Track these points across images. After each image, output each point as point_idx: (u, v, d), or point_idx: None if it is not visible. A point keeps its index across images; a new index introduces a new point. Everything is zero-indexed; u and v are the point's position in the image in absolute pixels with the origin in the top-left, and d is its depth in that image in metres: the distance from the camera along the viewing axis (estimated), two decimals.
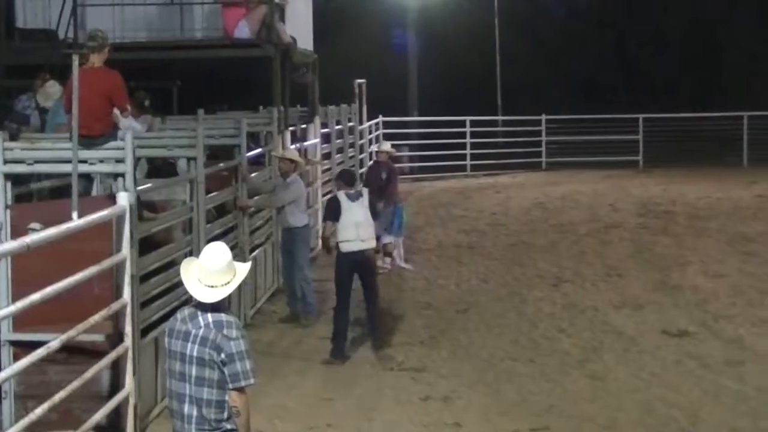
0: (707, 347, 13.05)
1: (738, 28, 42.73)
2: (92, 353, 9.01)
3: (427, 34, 39.73)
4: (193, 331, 6.61)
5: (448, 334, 13.93)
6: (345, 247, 12.80)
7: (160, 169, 13.47)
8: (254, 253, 15.16)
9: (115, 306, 9.06)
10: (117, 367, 9.25)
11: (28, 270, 8.50)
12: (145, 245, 10.49)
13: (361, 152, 26.60)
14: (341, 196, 12.96)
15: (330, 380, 12.00)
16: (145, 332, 10.27)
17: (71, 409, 8.84)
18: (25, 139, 11.57)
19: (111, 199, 9.54)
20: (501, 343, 13.46)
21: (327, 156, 22.86)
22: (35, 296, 7.25)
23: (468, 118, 34.25)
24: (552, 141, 35.59)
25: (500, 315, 14.90)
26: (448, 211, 25.29)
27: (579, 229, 22.18)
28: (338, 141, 24.01)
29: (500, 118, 36.98)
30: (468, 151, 34.27)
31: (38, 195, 12.26)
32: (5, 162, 10.28)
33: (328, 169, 22.88)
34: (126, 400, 9.26)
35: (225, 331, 6.56)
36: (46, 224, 8.48)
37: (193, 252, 11.43)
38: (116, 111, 11.46)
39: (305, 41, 21.15)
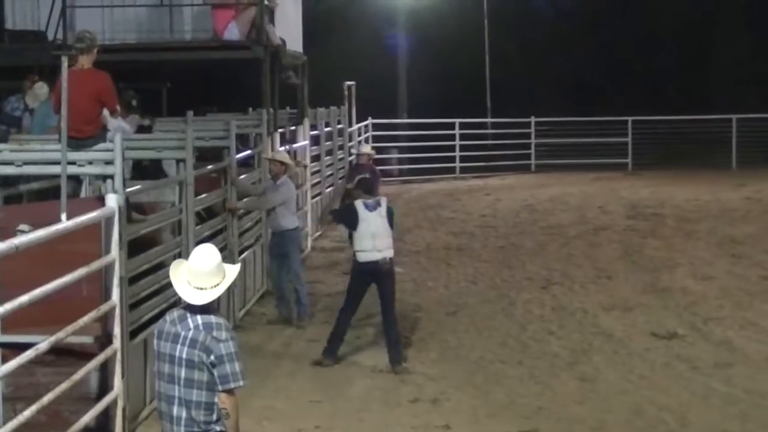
0: (696, 349, 13.07)
1: (726, 30, 42.81)
2: (81, 355, 8.99)
3: (416, 36, 39.77)
4: (183, 333, 6.60)
5: (437, 336, 13.93)
6: (361, 257, 12.61)
7: (145, 168, 13.47)
8: (243, 255, 15.14)
9: (103, 308, 9.04)
10: (106, 369, 9.24)
11: (17, 272, 8.46)
12: (134, 247, 10.47)
13: (350, 154, 26.61)
14: (359, 205, 12.66)
15: (319, 382, 11.99)
16: (133, 334, 10.25)
17: (60, 411, 8.82)
18: (14, 140, 11.56)
19: (100, 200, 9.53)
20: (490, 345, 13.46)
21: (316, 158, 22.88)
22: (23, 298, 7.23)
23: (457, 120, 34.29)
24: (541, 143, 35.63)
25: (489, 317, 14.91)
26: (437, 213, 25.30)
27: (568, 231, 22.20)
28: (327, 143, 24.03)
29: (489, 120, 37.00)
30: (457, 153, 34.28)
31: (26, 196, 12.23)
32: None
33: (318, 171, 22.90)
34: (115, 402, 9.24)
35: (214, 333, 6.56)
36: (35, 226, 8.46)
37: (182, 254, 11.41)
38: (105, 112, 11.44)
39: (295, 43, 21.16)
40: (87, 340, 9.17)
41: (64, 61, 9.94)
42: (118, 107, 11.76)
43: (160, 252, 11.41)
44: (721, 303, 15.40)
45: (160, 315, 7.31)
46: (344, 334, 12.87)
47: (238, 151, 15.28)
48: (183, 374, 6.58)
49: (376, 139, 32.99)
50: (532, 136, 35.54)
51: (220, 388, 6.56)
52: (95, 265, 8.87)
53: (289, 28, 20.46)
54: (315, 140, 22.70)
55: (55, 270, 8.02)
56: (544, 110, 35.75)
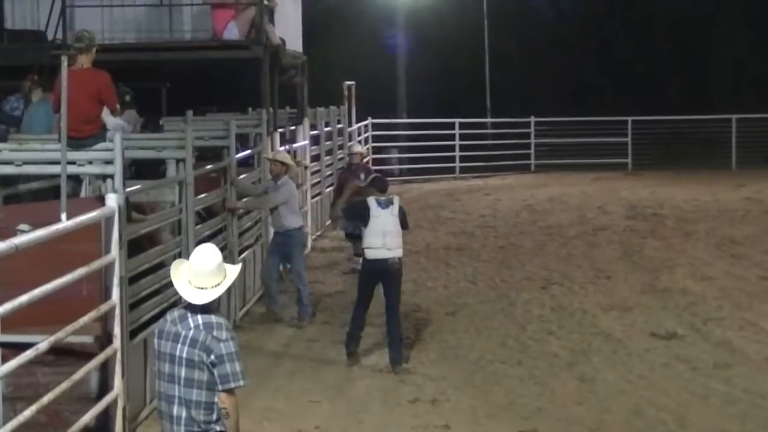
0: (695, 350, 13.07)
1: (726, 30, 42.83)
2: (81, 355, 8.99)
3: (416, 36, 39.78)
4: (183, 333, 6.60)
5: (436, 337, 13.93)
6: (370, 255, 12.56)
7: (142, 168, 13.48)
8: (243, 255, 15.14)
9: (103, 307, 9.04)
10: (106, 369, 9.24)
11: (17, 271, 8.46)
12: (134, 247, 10.47)
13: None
14: (371, 202, 12.64)
15: (319, 382, 11.99)
16: (133, 334, 10.25)
17: (60, 410, 8.82)
18: (14, 140, 11.56)
19: (100, 200, 9.53)
20: (489, 346, 13.46)
21: (316, 158, 22.88)
22: (23, 298, 7.23)
23: (457, 120, 34.30)
24: (541, 143, 35.64)
25: (489, 317, 14.91)
26: (437, 213, 25.30)
27: (568, 231, 22.20)
28: (327, 143, 24.02)
29: (489, 120, 37.03)
30: (457, 153, 34.29)
31: (25, 196, 12.23)
32: None
33: (317, 171, 22.90)
34: (115, 402, 9.24)
35: (215, 333, 6.56)
36: (35, 225, 8.46)
37: (182, 254, 11.41)
38: (105, 110, 11.45)
39: (294, 43, 21.17)
40: (87, 339, 9.16)
41: (64, 61, 9.94)
42: (118, 106, 11.77)
43: (160, 252, 11.42)
44: (721, 303, 15.40)
45: (160, 315, 7.32)
46: (358, 334, 12.80)
47: (238, 151, 15.29)
48: (183, 374, 6.58)
49: (375, 138, 33.03)
50: (532, 136, 35.54)
51: (220, 387, 6.56)
52: (95, 264, 8.87)
53: (288, 28, 20.47)
54: (315, 140, 22.70)
55: (55, 270, 8.02)
56: (544, 110, 35.77)
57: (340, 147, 25.25)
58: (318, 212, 22.26)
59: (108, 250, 9.22)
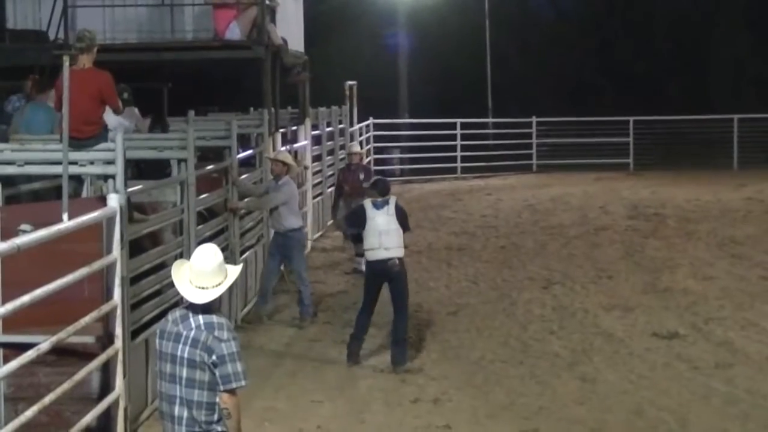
0: (697, 350, 13.07)
1: (726, 30, 42.82)
2: (82, 355, 8.99)
3: (417, 36, 39.77)
4: (184, 333, 6.61)
5: (438, 337, 13.93)
6: (369, 256, 12.61)
7: (147, 165, 13.48)
8: (245, 255, 15.15)
9: (105, 308, 9.04)
10: (107, 370, 9.23)
11: (18, 271, 8.47)
12: (136, 247, 10.47)
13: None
14: (367, 204, 12.70)
15: (320, 382, 11.99)
16: (135, 334, 10.26)
17: (61, 411, 8.82)
18: (15, 140, 11.56)
19: (101, 200, 9.54)
20: (491, 345, 13.47)
21: (318, 158, 22.88)
22: (25, 298, 7.23)
23: (458, 120, 34.31)
24: (542, 143, 35.65)
25: (490, 317, 14.91)
26: (438, 213, 25.30)
27: (569, 231, 22.20)
28: (329, 143, 24.02)
29: (491, 120, 37.02)
30: (458, 153, 34.30)
31: (26, 196, 12.22)
32: None
33: (319, 171, 22.90)
34: (116, 402, 9.24)
35: (216, 333, 6.57)
36: (37, 226, 8.46)
37: (184, 254, 11.41)
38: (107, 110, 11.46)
39: (296, 43, 21.17)
40: (88, 340, 9.16)
41: (66, 61, 9.95)
42: (120, 105, 11.78)
43: (162, 252, 11.42)
44: (722, 303, 15.41)
45: (162, 315, 7.32)
46: (361, 335, 12.78)
47: (240, 151, 15.29)
48: (185, 374, 6.59)
49: (377, 139, 33.04)
50: (534, 136, 35.54)
51: (221, 388, 6.57)
52: (97, 265, 8.87)
53: (290, 28, 20.48)
54: (316, 140, 22.70)
55: (56, 270, 8.02)
56: (546, 110, 35.76)
57: (342, 147, 25.26)
58: (319, 212, 22.26)
59: (109, 251, 9.22)
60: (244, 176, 15.39)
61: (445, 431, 10.39)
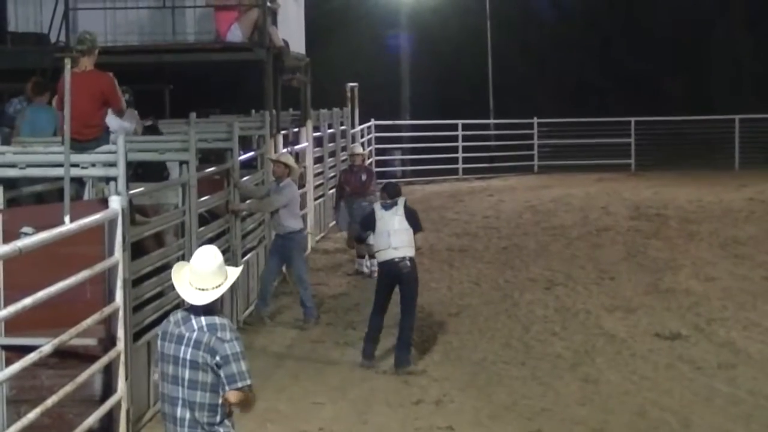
0: (699, 350, 13.06)
1: (727, 30, 42.81)
2: (84, 357, 9.00)
3: (419, 38, 39.77)
4: (187, 335, 6.61)
5: (440, 338, 13.93)
6: (380, 257, 12.72)
7: (145, 169, 13.47)
8: (246, 257, 15.15)
9: (107, 310, 9.05)
10: (109, 372, 9.25)
11: (20, 274, 8.48)
12: (138, 249, 10.48)
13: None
14: (376, 206, 12.87)
15: (322, 384, 11.99)
16: (137, 336, 10.26)
17: (63, 413, 8.84)
18: (17, 142, 11.56)
19: (103, 203, 9.54)
20: (493, 347, 13.46)
21: (319, 160, 22.87)
22: (27, 300, 7.24)
23: (460, 122, 34.32)
24: (544, 144, 35.63)
25: (492, 318, 14.91)
26: (440, 215, 25.29)
27: (571, 232, 22.20)
28: (330, 145, 24.02)
29: (492, 121, 37.00)
30: (460, 155, 34.30)
31: (28, 199, 12.23)
32: None
33: (320, 173, 22.90)
34: (118, 404, 9.25)
35: (219, 334, 6.57)
36: (38, 228, 8.47)
37: (186, 256, 11.41)
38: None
39: (297, 45, 21.19)
40: (90, 342, 9.18)
41: (67, 63, 9.95)
42: (124, 106, 11.78)
43: (164, 254, 11.42)
44: (725, 304, 15.40)
45: (164, 317, 7.31)
46: (374, 335, 12.79)
47: (241, 153, 15.29)
48: (187, 375, 6.59)
49: (378, 140, 33.02)
50: (535, 137, 35.52)
51: (227, 387, 6.57)
52: (98, 267, 8.88)
53: (291, 30, 20.49)
54: (318, 142, 22.70)
55: (58, 272, 8.03)
56: (547, 111, 35.75)
57: (343, 149, 25.25)
58: (321, 214, 22.26)
59: (111, 253, 9.23)
60: (245, 178, 15.40)
61: None
